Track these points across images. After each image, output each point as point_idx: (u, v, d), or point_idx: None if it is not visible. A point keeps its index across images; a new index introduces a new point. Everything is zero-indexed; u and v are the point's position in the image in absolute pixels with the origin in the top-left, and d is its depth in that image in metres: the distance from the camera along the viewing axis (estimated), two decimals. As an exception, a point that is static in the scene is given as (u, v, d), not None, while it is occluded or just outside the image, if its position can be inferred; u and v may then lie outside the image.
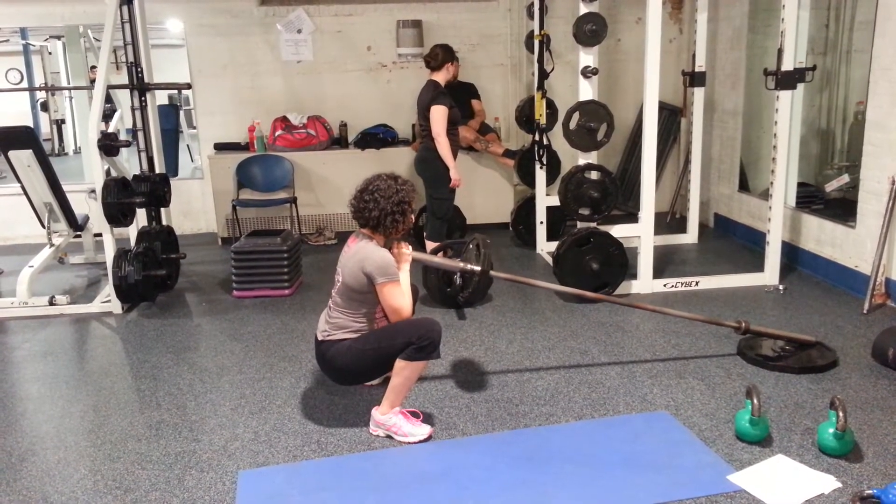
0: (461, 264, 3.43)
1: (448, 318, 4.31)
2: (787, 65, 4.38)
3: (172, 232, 5.13)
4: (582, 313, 4.34)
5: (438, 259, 3.55)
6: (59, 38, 9.52)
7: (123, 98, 6.80)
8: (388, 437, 2.96)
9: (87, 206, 5.43)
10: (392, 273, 2.89)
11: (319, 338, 3.06)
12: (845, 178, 5.09)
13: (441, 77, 4.87)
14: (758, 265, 4.83)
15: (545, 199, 5.60)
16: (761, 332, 3.62)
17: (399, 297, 2.90)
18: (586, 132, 4.42)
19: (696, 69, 5.63)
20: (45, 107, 11.55)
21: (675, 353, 3.74)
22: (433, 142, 4.80)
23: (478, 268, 3.35)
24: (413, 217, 3.07)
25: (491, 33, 6.59)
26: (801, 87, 4.72)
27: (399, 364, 2.89)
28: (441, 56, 4.86)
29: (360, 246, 2.95)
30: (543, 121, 5.39)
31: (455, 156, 4.97)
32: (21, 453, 2.96)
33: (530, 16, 5.73)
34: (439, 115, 4.72)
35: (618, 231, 4.56)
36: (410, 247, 3.12)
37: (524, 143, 6.11)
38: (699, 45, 5.59)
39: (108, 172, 4.61)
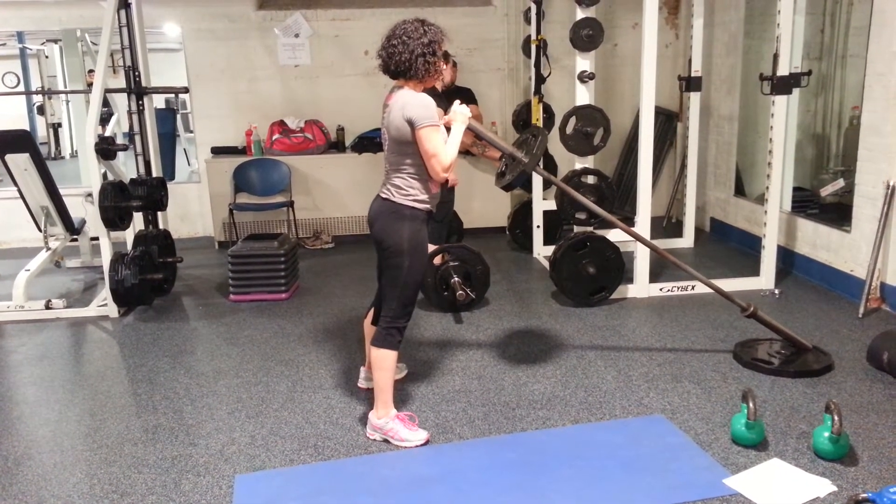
0: (511, 148, 3.21)
1: (445, 322, 4.31)
2: (783, 70, 4.40)
3: (169, 236, 5.13)
4: (578, 317, 4.34)
5: (490, 133, 3.34)
6: (56, 41, 9.52)
7: (121, 102, 6.80)
8: (385, 441, 2.96)
9: (84, 209, 5.42)
10: (432, 116, 2.72)
11: (383, 196, 2.92)
12: (840, 183, 5.11)
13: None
14: (753, 269, 4.85)
15: (542, 203, 5.61)
16: (765, 320, 3.61)
17: (437, 141, 2.71)
18: (583, 137, 4.44)
19: (693, 74, 5.65)
20: (41, 110, 11.54)
21: (671, 356, 3.74)
22: None
23: (525, 158, 3.12)
24: (444, 61, 2.88)
25: (488, 38, 6.61)
26: (796, 91, 4.74)
27: (374, 354, 2.93)
28: None
29: (398, 95, 2.81)
30: (540, 125, 5.41)
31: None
32: (17, 457, 2.95)
33: (527, 20, 5.76)
34: None
35: (614, 235, 4.57)
36: (468, 108, 2.95)
37: (521, 148, 6.12)
38: (695, 50, 5.61)
39: (105, 176, 4.61)
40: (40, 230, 4.98)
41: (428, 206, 2.92)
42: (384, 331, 2.92)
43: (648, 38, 4.30)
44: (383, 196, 2.93)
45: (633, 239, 4.58)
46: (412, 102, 2.75)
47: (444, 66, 2.79)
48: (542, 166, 5.51)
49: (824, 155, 5.85)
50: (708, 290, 4.67)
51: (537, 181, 5.60)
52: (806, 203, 5.33)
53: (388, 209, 2.89)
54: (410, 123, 2.73)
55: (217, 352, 4.02)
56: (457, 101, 2.98)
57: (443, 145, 2.75)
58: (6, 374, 3.84)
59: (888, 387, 3.33)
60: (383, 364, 2.93)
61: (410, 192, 2.86)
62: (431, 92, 4.75)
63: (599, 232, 4.54)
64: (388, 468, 2.81)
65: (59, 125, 11.45)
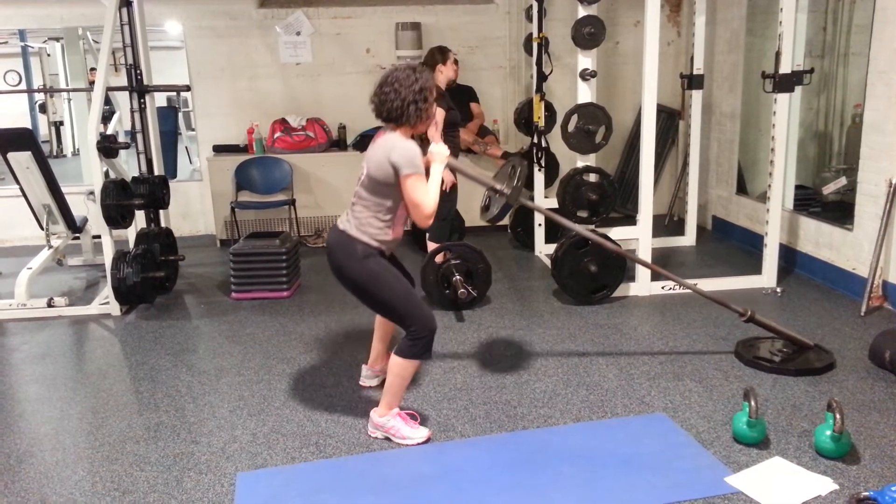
0: (492, 182, 3.27)
1: (447, 320, 4.31)
2: (785, 68, 4.40)
3: (171, 234, 5.13)
4: (580, 315, 4.34)
5: (471, 171, 3.40)
6: (57, 39, 9.52)
7: (122, 100, 6.81)
8: (387, 439, 2.96)
9: (86, 207, 5.43)
10: (417, 165, 2.76)
11: (340, 227, 2.95)
12: (843, 181, 5.10)
13: (439, 79, 4.86)
14: (755, 267, 4.84)
15: (544, 201, 5.60)
16: (763, 323, 3.61)
17: (422, 191, 2.76)
18: (585, 135, 4.44)
19: (695, 72, 5.64)
20: (43, 108, 11.54)
21: (672, 355, 3.74)
22: (430, 145, 4.79)
23: (507, 190, 3.16)
24: (436, 107, 2.97)
25: (490, 36, 6.61)
26: (798, 89, 4.73)
27: (393, 360, 2.90)
28: (430, 59, 4.87)
29: (386, 137, 2.86)
30: (542, 123, 5.41)
31: (456, 157, 4.97)
32: (19, 455, 2.96)
33: (529, 18, 5.75)
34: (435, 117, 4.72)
35: (616, 233, 4.57)
36: (446, 148, 3.00)
37: (523, 146, 6.12)
38: (697, 47, 5.61)
39: (106, 174, 4.61)
40: (42, 228, 4.99)
41: (382, 247, 2.93)
42: (409, 340, 2.87)
43: (650, 35, 4.29)
44: (341, 227, 2.95)
45: (634, 238, 4.62)
46: (399, 148, 2.79)
47: (436, 110, 2.85)
48: (543, 169, 5.53)
49: (826, 153, 5.84)
50: (710, 288, 4.69)
51: (538, 180, 5.60)
52: (808, 201, 5.32)
53: (344, 247, 2.90)
54: (395, 169, 2.77)
55: (219, 350, 4.03)
56: (433, 143, 3.01)
57: (427, 194, 2.79)
58: (8, 372, 3.84)
59: (890, 385, 3.33)
60: (400, 371, 2.90)
61: (370, 230, 2.89)
62: (436, 90, 4.79)
63: (601, 230, 4.53)
64: (389, 466, 2.81)
65: (61, 123, 11.45)
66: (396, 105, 2.79)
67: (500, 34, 6.61)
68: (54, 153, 11.27)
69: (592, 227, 4.58)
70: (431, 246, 4.97)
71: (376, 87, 2.87)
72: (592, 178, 4.59)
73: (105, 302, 4.67)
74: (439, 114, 4.72)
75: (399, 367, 2.89)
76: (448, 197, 4.98)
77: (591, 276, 4.44)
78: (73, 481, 2.76)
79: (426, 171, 2.85)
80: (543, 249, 5.67)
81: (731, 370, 3.53)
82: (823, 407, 3.05)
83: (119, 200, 4.51)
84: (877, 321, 4.10)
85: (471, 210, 6.13)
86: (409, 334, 2.87)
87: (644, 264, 4.16)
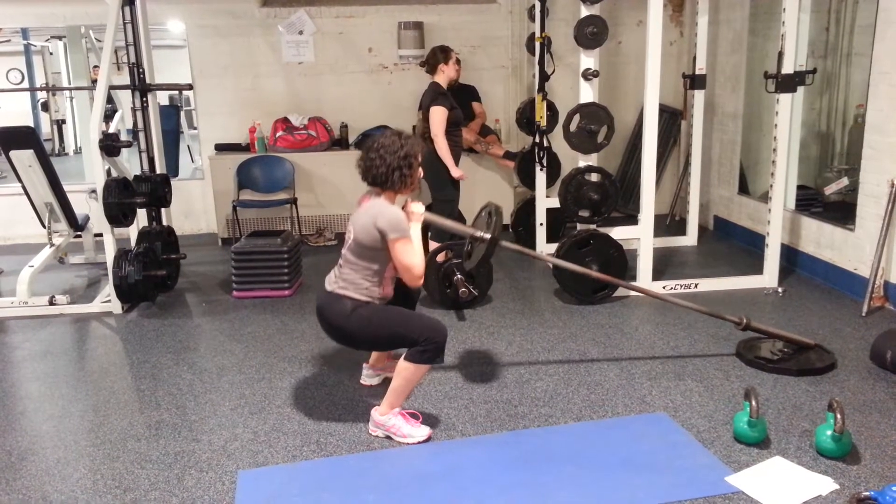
0: (471, 230, 3.35)
1: (448, 319, 4.32)
2: (788, 68, 4.39)
3: (173, 232, 5.14)
4: (581, 315, 4.34)
5: (449, 222, 3.48)
6: (60, 38, 9.54)
7: (125, 98, 6.80)
8: (388, 437, 2.96)
9: (88, 206, 5.44)
10: (404, 229, 2.86)
11: (328, 288, 3.01)
12: (845, 182, 5.10)
13: (441, 79, 4.86)
14: (757, 267, 4.84)
15: (545, 200, 5.60)
16: (761, 330, 3.62)
17: (411, 254, 2.86)
18: (587, 134, 4.44)
19: (697, 72, 5.64)
20: (45, 107, 11.56)
21: (673, 354, 3.74)
22: (433, 143, 4.81)
23: (487, 235, 3.24)
24: (421, 172, 3.03)
25: (492, 35, 6.61)
26: (801, 90, 4.72)
27: (402, 364, 2.89)
28: (432, 58, 4.87)
29: (372, 203, 2.93)
30: (544, 123, 5.40)
31: (458, 157, 4.97)
32: (21, 452, 2.96)
33: (531, 18, 5.74)
34: (437, 116, 4.73)
35: (618, 233, 4.57)
36: (422, 205, 3.09)
37: (524, 145, 6.12)
38: (700, 47, 5.60)
39: (108, 173, 4.62)
40: (44, 226, 4.99)
41: (373, 302, 2.98)
42: (419, 349, 2.87)
43: (653, 35, 4.29)
44: (328, 289, 3.00)
45: (636, 238, 4.62)
46: (384, 214, 2.86)
47: (418, 177, 3.00)
48: (544, 168, 5.53)
49: (828, 153, 5.84)
50: (711, 288, 4.71)
51: (539, 179, 5.59)
52: (810, 201, 5.32)
53: (332, 305, 2.96)
54: (382, 234, 2.85)
55: (220, 348, 4.03)
56: (408, 201, 3.09)
57: (415, 256, 2.88)
58: (10, 369, 3.85)
59: (891, 385, 3.33)
60: (408, 375, 2.91)
61: (361, 290, 2.95)
62: (438, 90, 4.80)
63: (603, 230, 4.54)
64: (390, 465, 2.81)
65: (63, 122, 11.47)
66: (382, 171, 2.89)
67: (503, 33, 6.61)
68: (56, 151, 11.29)
69: (594, 227, 4.58)
70: (433, 245, 4.98)
71: (363, 152, 2.97)
72: (594, 177, 4.58)
73: (107, 300, 4.67)
74: (442, 113, 4.73)
75: (408, 371, 2.90)
76: (452, 195, 4.99)
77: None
78: (74, 479, 2.76)
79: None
80: (545, 249, 5.66)
81: (732, 370, 3.53)
82: (824, 407, 3.05)
83: (121, 199, 4.52)
84: (878, 321, 4.10)
85: (472, 209, 6.14)
86: (420, 345, 2.88)
87: (627, 286, 4.15)
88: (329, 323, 3.00)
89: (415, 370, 2.90)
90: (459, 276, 4.40)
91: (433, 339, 2.86)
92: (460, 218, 5.65)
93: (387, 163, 2.88)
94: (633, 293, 4.65)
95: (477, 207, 6.26)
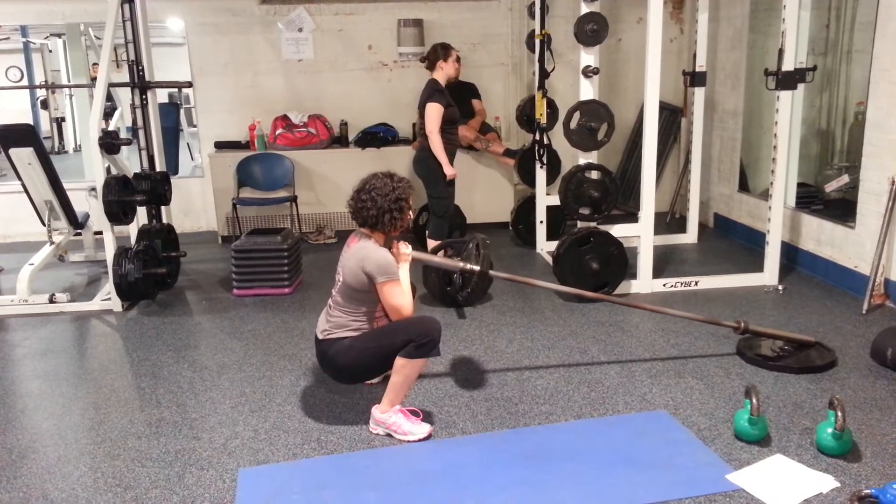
0: (460, 264, 3.44)
1: (448, 318, 4.31)
2: (788, 65, 4.39)
3: (173, 230, 5.14)
4: (581, 313, 4.34)
5: (438, 259, 3.57)
6: (59, 35, 9.54)
7: (124, 96, 6.81)
8: (388, 435, 2.96)
9: (88, 203, 5.43)
10: (392, 272, 2.90)
11: (320, 337, 3.06)
12: (845, 179, 5.09)
13: (439, 76, 4.86)
14: (757, 265, 4.84)
15: (545, 198, 5.60)
16: (760, 333, 3.63)
17: (399, 296, 2.91)
18: (587, 132, 4.43)
19: (697, 69, 5.64)
20: (45, 105, 11.56)
21: (674, 352, 3.74)
22: (428, 140, 4.80)
23: (477, 268, 3.36)
24: (411, 214, 3.08)
25: (492, 32, 6.60)
26: (801, 87, 4.72)
27: (399, 362, 2.89)
28: (432, 54, 4.86)
29: (359, 245, 2.96)
30: (544, 120, 5.40)
31: (454, 155, 4.97)
32: (21, 450, 2.96)
33: (531, 15, 5.73)
34: (433, 112, 4.72)
35: (618, 231, 4.57)
36: (410, 246, 3.13)
37: (524, 143, 6.12)
38: (700, 45, 5.60)
39: (108, 170, 4.61)
40: (44, 224, 4.99)
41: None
42: (415, 345, 2.87)
43: (653, 32, 4.28)
44: (321, 338, 3.03)
45: (636, 235, 4.62)
46: (372, 258, 2.90)
47: (409, 214, 3.06)
48: (545, 166, 5.53)
49: (829, 151, 5.84)
50: (711, 286, 4.71)
51: (539, 177, 5.59)
52: (810, 199, 5.31)
53: (330, 348, 2.99)
54: (370, 277, 2.89)
55: (220, 346, 4.03)
56: (395, 242, 3.11)
57: (404, 297, 2.92)
58: (10, 368, 3.85)
59: (892, 383, 3.33)
60: (406, 371, 2.91)
61: (351, 328, 2.99)
62: (435, 86, 4.79)
63: (603, 227, 4.53)
64: (390, 462, 2.81)
65: (63, 119, 11.47)
66: (372, 214, 2.92)
67: (503, 31, 6.60)
68: (56, 149, 11.29)
69: (594, 225, 4.58)
70: (432, 243, 4.98)
71: (354, 192, 3.00)
72: (594, 175, 4.58)
73: (107, 298, 4.67)
74: (437, 109, 4.72)
75: (406, 366, 2.90)
76: (447, 192, 4.99)
77: (593, 273, 4.43)
78: (74, 477, 2.76)
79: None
80: (545, 247, 5.67)
81: (733, 368, 3.53)
82: (825, 404, 3.05)
83: (121, 197, 4.51)
84: (879, 319, 4.10)
85: (471, 206, 6.15)
86: (415, 340, 2.88)
87: (620, 303, 4.19)
88: (335, 365, 3.03)
89: (413, 365, 2.90)
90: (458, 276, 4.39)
91: (426, 334, 2.87)
92: (457, 215, 5.66)
93: (378, 205, 2.91)
94: (632, 290, 4.65)
95: (477, 205, 6.30)
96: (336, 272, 3.05)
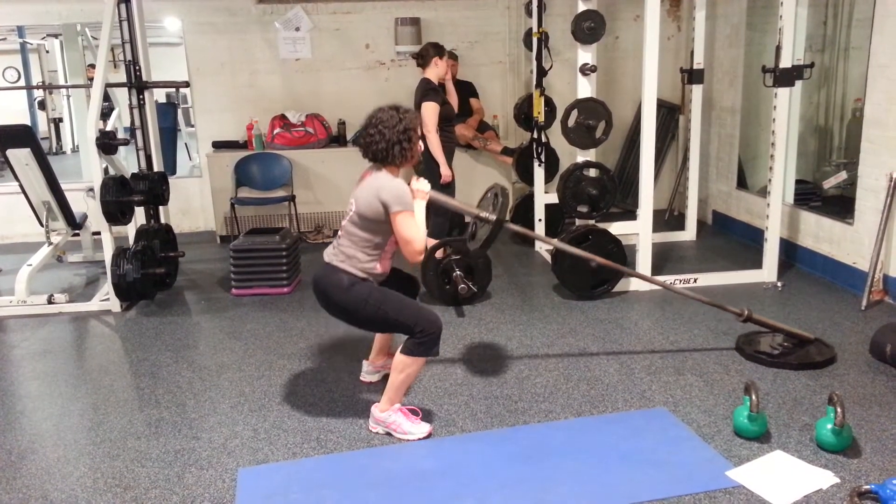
0: (476, 210, 3.34)
1: (447, 316, 4.31)
2: (786, 62, 4.39)
3: (171, 230, 5.13)
4: (580, 310, 4.34)
5: (454, 202, 3.47)
6: (56, 36, 9.52)
7: (121, 96, 6.81)
8: (388, 434, 2.96)
9: (86, 204, 5.43)
10: (407, 202, 2.84)
11: (326, 259, 3.00)
12: (843, 175, 5.10)
13: (431, 74, 4.85)
14: (756, 262, 4.84)
15: (544, 196, 5.60)
16: (762, 322, 3.62)
17: (413, 227, 2.84)
18: (585, 130, 4.43)
19: (695, 67, 5.63)
20: (42, 105, 11.54)
21: (673, 349, 3.74)
22: (425, 139, 4.79)
23: (493, 216, 3.25)
24: (421, 146, 3.02)
25: (489, 31, 6.59)
26: (799, 84, 4.72)
27: (398, 358, 2.89)
28: (426, 53, 4.86)
29: (374, 176, 2.92)
30: (542, 118, 5.40)
31: (452, 153, 4.96)
32: (20, 451, 2.96)
33: (528, 13, 5.74)
34: (429, 112, 4.71)
35: (616, 228, 4.57)
36: (427, 183, 3.06)
37: (522, 141, 6.11)
38: (697, 42, 5.59)
39: (106, 171, 4.60)
40: (42, 225, 4.98)
41: (370, 279, 2.97)
42: (415, 340, 2.87)
43: (650, 30, 4.28)
44: (326, 260, 2.99)
45: (634, 233, 4.62)
46: (388, 187, 2.85)
47: (419, 148, 2.98)
48: (543, 164, 5.53)
49: (827, 147, 5.84)
50: (710, 283, 4.71)
51: (538, 175, 5.59)
52: (808, 195, 5.32)
53: (328, 277, 2.95)
54: (385, 206, 2.83)
55: (219, 346, 4.03)
56: (414, 178, 3.07)
57: (418, 231, 2.86)
58: (9, 369, 3.84)
59: (891, 379, 3.33)
60: (405, 369, 2.90)
61: (357, 264, 2.93)
62: (429, 85, 4.79)
63: (601, 225, 4.53)
64: (390, 461, 2.81)
65: (60, 120, 11.45)
66: (382, 147, 2.88)
67: (500, 29, 6.60)
68: (53, 150, 11.27)
69: (592, 222, 4.58)
70: (431, 242, 4.97)
71: (361, 128, 2.96)
72: (592, 173, 4.58)
73: (105, 298, 4.67)
74: (433, 108, 4.71)
75: (404, 364, 2.89)
76: (446, 192, 4.98)
77: (592, 270, 4.43)
78: (74, 477, 2.76)
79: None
80: (544, 244, 5.67)
81: (732, 364, 3.53)
82: (824, 401, 3.06)
83: (118, 197, 4.51)
84: (877, 315, 4.10)
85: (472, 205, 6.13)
86: (415, 336, 2.87)
87: (632, 274, 4.16)
88: (325, 295, 2.97)
89: (412, 363, 2.89)
90: (458, 272, 4.39)
91: (428, 331, 2.85)
92: (456, 214, 5.65)
93: (386, 138, 2.86)
94: (631, 288, 4.65)
95: (475, 201, 6.27)
96: (348, 205, 2.99)
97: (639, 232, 4.59)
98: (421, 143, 3.06)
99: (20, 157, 4.60)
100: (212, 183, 6.27)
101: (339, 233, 3.03)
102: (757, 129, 5.88)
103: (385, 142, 2.86)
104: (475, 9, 6.54)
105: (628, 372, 3.50)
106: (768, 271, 4.72)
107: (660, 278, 4.67)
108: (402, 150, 2.89)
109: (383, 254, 2.99)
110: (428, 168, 4.88)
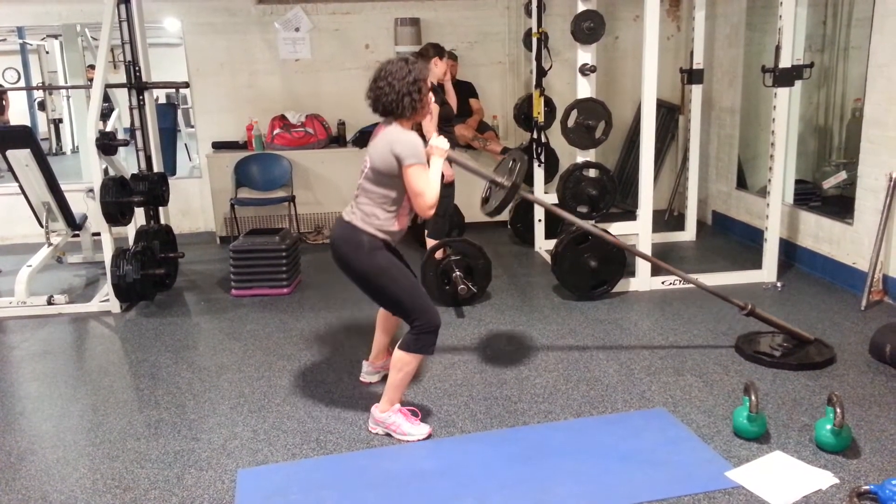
0: (493, 175, 3.27)
1: (447, 316, 4.31)
2: (785, 62, 4.39)
3: (171, 231, 5.13)
4: (580, 311, 4.34)
5: (472, 163, 3.41)
6: (56, 37, 9.52)
7: (121, 97, 6.80)
8: (388, 435, 2.96)
9: (86, 205, 5.43)
10: (420, 155, 2.78)
11: (346, 218, 2.96)
12: (843, 175, 5.10)
13: (430, 74, 4.84)
14: (756, 262, 4.84)
15: (543, 196, 5.59)
16: (764, 318, 3.62)
17: (424, 180, 2.77)
18: (584, 130, 4.43)
19: (694, 67, 5.63)
20: (42, 106, 11.54)
21: (672, 350, 3.74)
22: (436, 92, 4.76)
23: (507, 182, 3.16)
24: (432, 97, 2.97)
25: (489, 31, 6.59)
26: (798, 84, 4.72)
27: (396, 355, 2.89)
28: (426, 53, 4.85)
29: (388, 130, 2.88)
30: (542, 119, 5.40)
31: (451, 153, 4.95)
32: (20, 452, 2.96)
33: (528, 13, 5.74)
34: None
35: (616, 229, 4.57)
36: (447, 141, 2.99)
37: (522, 141, 6.11)
38: (697, 42, 5.59)
39: (106, 171, 4.61)
40: (42, 226, 4.98)
41: (388, 238, 2.94)
42: (413, 335, 2.87)
43: (650, 30, 4.28)
44: (346, 219, 2.95)
45: (634, 233, 4.62)
46: (401, 140, 2.80)
47: (431, 101, 2.90)
48: (542, 164, 5.53)
49: (826, 147, 5.84)
50: (710, 283, 4.67)
51: (537, 175, 5.59)
52: (808, 196, 5.32)
53: (349, 238, 2.91)
54: (398, 159, 2.78)
55: (219, 347, 4.03)
56: (434, 135, 3.01)
57: (429, 184, 2.80)
58: (8, 369, 3.85)
59: (890, 379, 3.33)
60: (402, 366, 2.90)
61: (376, 221, 2.89)
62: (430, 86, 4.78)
63: (601, 225, 4.53)
64: (390, 462, 2.81)
65: (60, 121, 11.45)
66: (392, 99, 2.81)
67: (500, 29, 6.60)
68: (53, 151, 11.27)
69: (592, 222, 4.58)
70: (431, 242, 4.97)
71: (371, 81, 2.90)
72: (592, 173, 4.58)
73: (105, 299, 4.67)
74: (434, 110, 4.71)
75: (402, 361, 2.89)
76: (446, 192, 4.98)
77: (592, 271, 4.43)
78: (73, 479, 2.76)
79: (427, 162, 2.85)
80: (543, 245, 5.67)
81: (732, 365, 3.53)
82: (824, 401, 3.05)
83: (118, 198, 4.51)
84: (877, 315, 4.10)
85: (470, 206, 6.13)
86: (413, 329, 2.87)
87: (647, 258, 4.17)
88: (345, 257, 2.93)
89: (410, 360, 2.89)
90: (458, 273, 4.39)
91: (426, 328, 2.85)
92: (456, 214, 5.65)
93: (395, 89, 2.80)
94: (631, 288, 4.65)
95: (475, 204, 6.25)
96: (363, 162, 2.95)
97: (638, 232, 4.59)
98: (432, 94, 3.00)
99: (20, 157, 4.60)
100: (211, 183, 6.27)
101: (356, 191, 2.97)
102: (756, 129, 5.88)
103: (395, 93, 2.80)
104: (475, 9, 6.54)
105: (628, 372, 3.50)
106: (768, 271, 4.72)
107: (656, 283, 4.68)
108: (412, 102, 2.82)
109: (400, 209, 2.93)
110: None
